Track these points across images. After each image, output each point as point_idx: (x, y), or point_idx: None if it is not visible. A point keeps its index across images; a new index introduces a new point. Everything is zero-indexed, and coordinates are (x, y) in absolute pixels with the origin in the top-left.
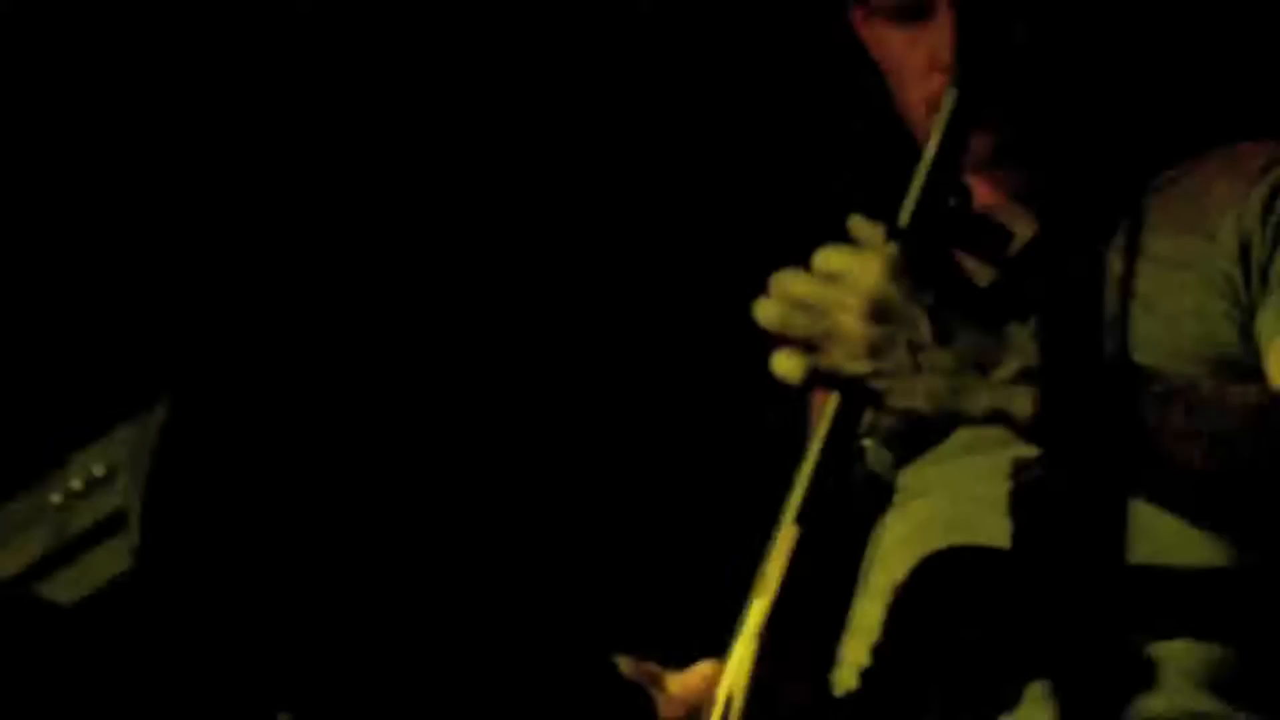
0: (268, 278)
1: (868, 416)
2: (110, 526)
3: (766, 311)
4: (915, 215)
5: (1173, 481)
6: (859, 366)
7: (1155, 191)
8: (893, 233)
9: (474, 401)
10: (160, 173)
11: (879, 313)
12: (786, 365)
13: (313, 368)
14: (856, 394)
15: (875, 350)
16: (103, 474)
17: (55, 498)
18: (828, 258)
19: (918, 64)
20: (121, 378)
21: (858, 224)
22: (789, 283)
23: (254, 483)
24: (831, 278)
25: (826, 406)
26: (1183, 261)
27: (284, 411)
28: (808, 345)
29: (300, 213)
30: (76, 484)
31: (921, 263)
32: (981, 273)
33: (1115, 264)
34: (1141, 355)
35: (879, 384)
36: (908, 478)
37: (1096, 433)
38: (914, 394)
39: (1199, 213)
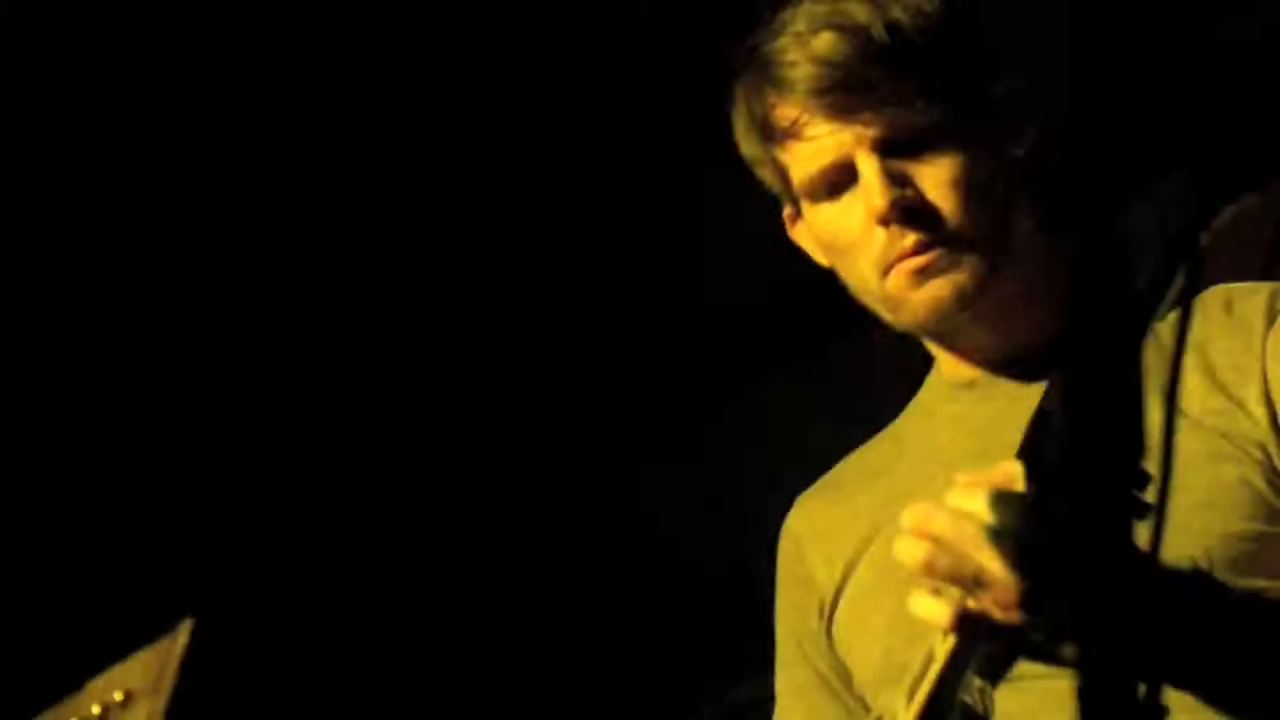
0: (288, 502)
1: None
2: None
3: (910, 551)
4: (1063, 461)
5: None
6: (1012, 616)
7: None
8: (1033, 475)
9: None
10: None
11: (1029, 562)
12: (933, 610)
13: (332, 592)
14: (1000, 638)
15: (1029, 602)
16: (121, 699)
17: None
18: (965, 498)
19: (857, 227)
20: (141, 601)
21: (998, 471)
22: (930, 521)
23: (276, 709)
24: (972, 518)
25: (937, 645)
26: (1218, 428)
27: (307, 637)
28: (953, 586)
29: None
30: (95, 709)
31: (1058, 507)
32: None
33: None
34: (1181, 534)
35: (1035, 635)
36: (1002, 702)
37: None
38: (1062, 644)
39: (1217, 370)
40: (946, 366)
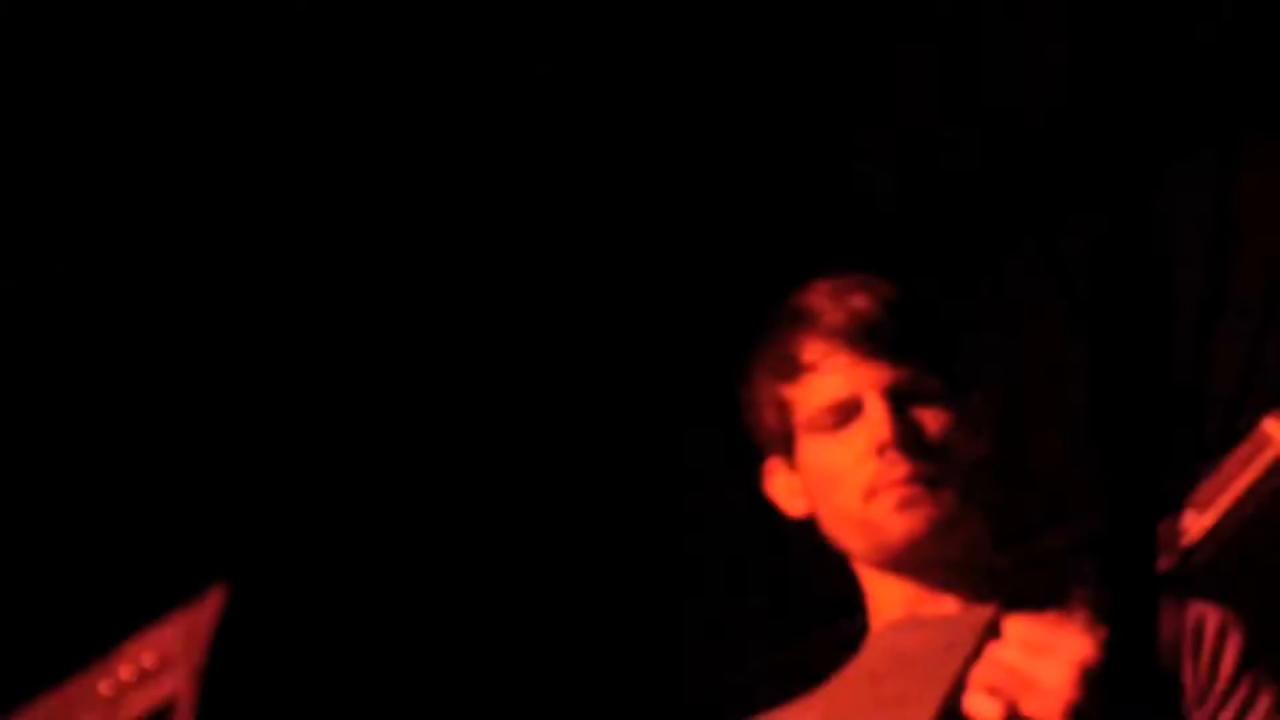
0: (321, 462)
1: None
2: (160, 718)
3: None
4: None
5: None
6: None
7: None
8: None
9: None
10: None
11: (1087, 680)
12: (984, 708)
13: (367, 557)
14: None
15: (1079, 714)
16: (153, 664)
17: (104, 688)
18: (1035, 632)
19: (853, 457)
20: (174, 564)
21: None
22: (1001, 653)
23: (309, 673)
24: (1040, 650)
25: None
26: None
27: (339, 601)
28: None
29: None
30: (126, 674)
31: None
32: None
33: None
34: None
35: None
36: None
37: None
38: None
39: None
40: (882, 606)
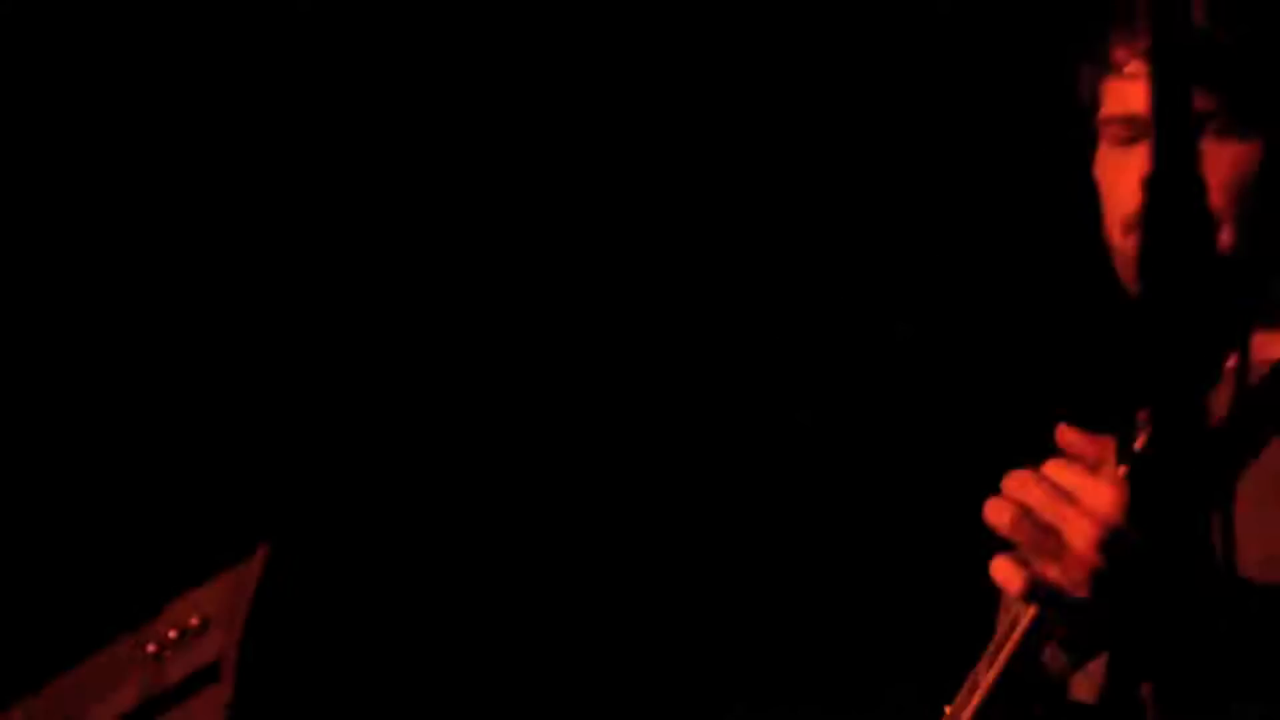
0: (367, 429)
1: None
2: (205, 677)
3: (999, 513)
4: (1152, 443)
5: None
6: (1080, 592)
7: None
8: (1126, 456)
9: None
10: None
11: (1110, 544)
12: (1007, 573)
13: (411, 519)
14: (1066, 613)
15: (1100, 581)
16: (197, 624)
17: (150, 647)
18: (1061, 472)
19: (1128, 181)
20: (219, 526)
21: (1087, 441)
22: (1024, 489)
23: (353, 634)
24: (1066, 494)
25: (1019, 614)
26: None
27: (382, 559)
28: (1032, 553)
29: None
30: (172, 634)
31: (1150, 496)
32: None
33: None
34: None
35: (1098, 613)
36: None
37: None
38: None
39: None
40: None
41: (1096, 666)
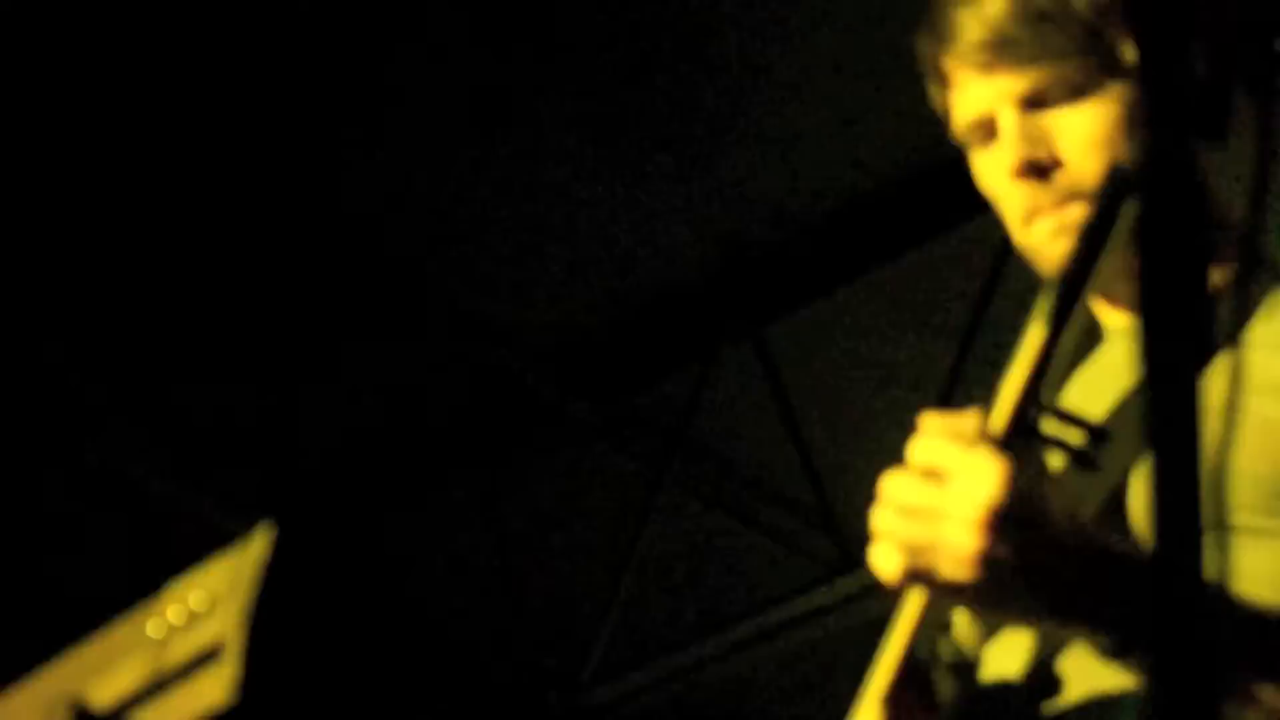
0: (369, 408)
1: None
2: (208, 659)
3: (884, 521)
4: (1013, 417)
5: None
6: (965, 575)
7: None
8: (996, 435)
9: None
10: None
11: (991, 526)
12: (887, 565)
13: (415, 500)
14: (955, 597)
15: (986, 563)
16: (200, 604)
17: (152, 629)
18: (931, 451)
19: (1000, 178)
20: (222, 505)
21: (957, 420)
22: (900, 491)
23: (356, 614)
24: (938, 477)
25: (908, 601)
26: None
27: (385, 542)
28: (909, 542)
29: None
30: (174, 616)
31: (1023, 468)
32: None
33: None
34: (1239, 494)
35: (987, 595)
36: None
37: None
38: (1015, 607)
39: None
40: (1101, 316)
41: (1009, 637)
